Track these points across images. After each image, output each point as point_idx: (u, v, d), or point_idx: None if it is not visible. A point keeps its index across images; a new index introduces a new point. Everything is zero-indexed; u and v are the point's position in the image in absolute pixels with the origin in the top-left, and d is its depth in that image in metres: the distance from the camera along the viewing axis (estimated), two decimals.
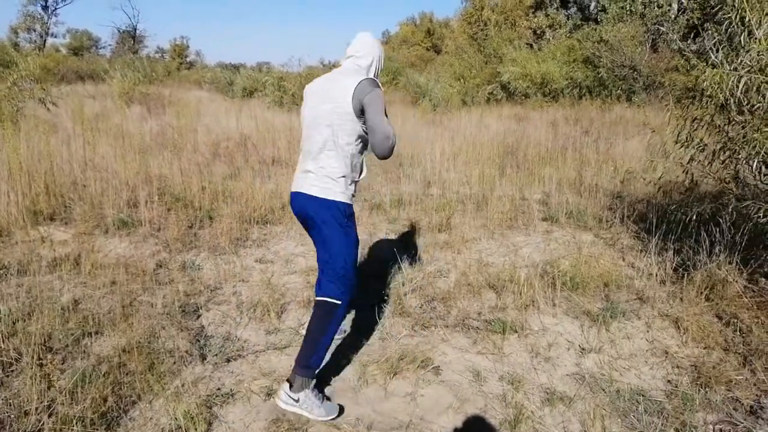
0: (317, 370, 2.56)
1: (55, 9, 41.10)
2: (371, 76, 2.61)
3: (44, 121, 7.96)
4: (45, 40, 40.68)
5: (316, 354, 2.51)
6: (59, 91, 12.24)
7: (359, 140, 2.55)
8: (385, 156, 2.50)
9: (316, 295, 2.61)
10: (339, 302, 2.55)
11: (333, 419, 2.49)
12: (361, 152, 2.63)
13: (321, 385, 2.75)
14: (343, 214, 2.55)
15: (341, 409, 2.57)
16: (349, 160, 2.54)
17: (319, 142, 2.51)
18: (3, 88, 9.08)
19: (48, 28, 41.05)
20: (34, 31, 40.59)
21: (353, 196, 2.64)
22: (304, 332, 3.00)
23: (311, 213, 2.55)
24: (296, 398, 2.45)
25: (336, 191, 2.52)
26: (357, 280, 2.68)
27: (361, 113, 2.46)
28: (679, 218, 4.23)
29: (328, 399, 2.62)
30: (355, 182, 2.67)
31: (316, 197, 2.51)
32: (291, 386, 2.46)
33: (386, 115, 2.49)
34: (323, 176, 2.51)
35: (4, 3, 77.50)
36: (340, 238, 2.55)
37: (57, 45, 42.43)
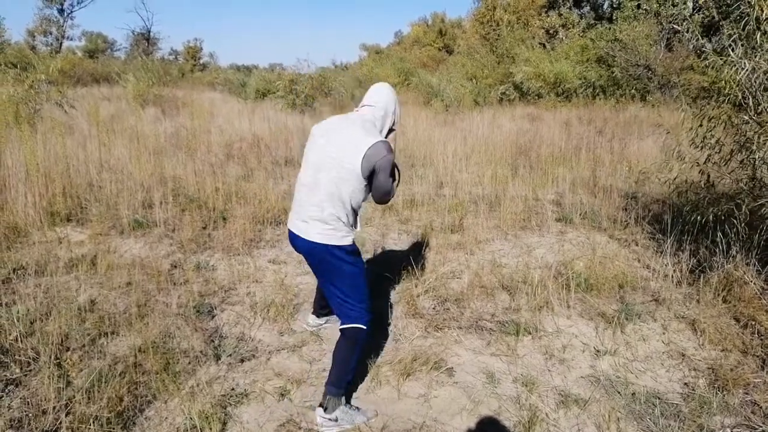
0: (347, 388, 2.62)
1: (71, 12, 41.53)
2: (385, 129, 2.64)
3: (61, 123, 8.05)
4: (61, 43, 41.15)
5: (347, 376, 2.58)
6: (75, 93, 12.40)
7: (361, 193, 2.54)
8: (381, 203, 2.65)
9: (341, 324, 2.61)
10: (364, 327, 2.60)
11: (371, 419, 2.57)
12: (363, 201, 2.61)
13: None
14: (350, 253, 2.56)
15: (375, 413, 2.61)
16: (351, 209, 2.54)
17: (322, 188, 2.47)
18: (21, 90, 9.21)
19: (64, 31, 41.50)
20: (51, 34, 41.07)
21: (356, 230, 2.67)
22: (311, 330, 3.35)
23: (317, 257, 2.56)
24: (333, 418, 2.47)
25: (339, 236, 2.51)
26: (370, 304, 2.70)
27: (369, 175, 2.46)
28: (695, 219, 4.18)
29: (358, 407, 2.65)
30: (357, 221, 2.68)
31: (320, 244, 2.50)
32: (325, 410, 2.48)
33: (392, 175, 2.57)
34: (326, 223, 2.49)
35: (21, 6, 78.68)
36: (352, 274, 2.59)
37: (73, 48, 42.95)
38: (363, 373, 2.89)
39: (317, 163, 2.50)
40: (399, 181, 2.71)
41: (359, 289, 2.61)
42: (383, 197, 2.57)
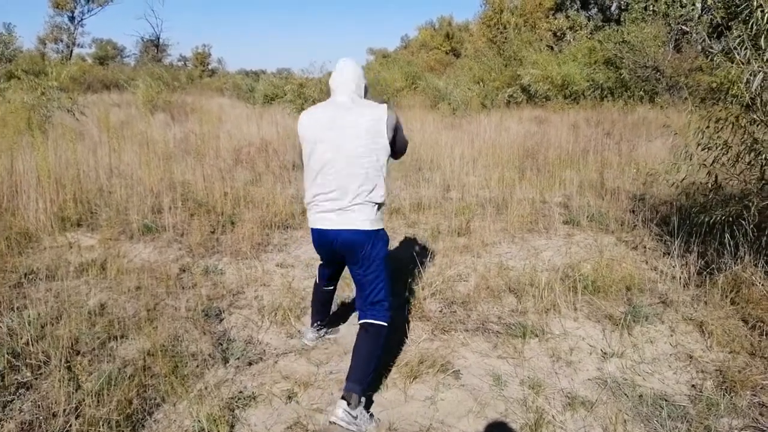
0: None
1: (81, 19, 42.01)
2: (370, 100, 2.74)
3: (71, 130, 8.15)
4: (71, 50, 41.62)
5: (370, 373, 2.60)
6: (85, 99, 12.54)
7: (388, 168, 2.68)
8: (403, 155, 2.87)
9: (364, 318, 2.67)
10: (386, 324, 2.67)
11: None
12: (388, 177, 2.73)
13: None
14: (385, 240, 2.72)
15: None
16: (387, 183, 2.66)
17: (359, 177, 2.53)
18: (33, 97, 9.34)
19: (74, 39, 41.98)
20: (61, 41, 41.55)
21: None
22: (312, 345, 3.25)
23: (359, 246, 2.60)
24: (355, 415, 2.43)
25: (379, 220, 2.66)
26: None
27: (393, 140, 2.62)
28: (703, 220, 4.16)
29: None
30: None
31: (368, 230, 2.59)
32: (349, 404, 2.43)
33: None
34: (369, 207, 2.59)
35: (32, 14, 79.59)
36: (385, 265, 2.70)
37: (83, 55, 43.39)
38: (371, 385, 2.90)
39: (347, 157, 2.53)
40: None
41: (388, 283, 2.73)
42: (405, 149, 2.83)
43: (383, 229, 2.69)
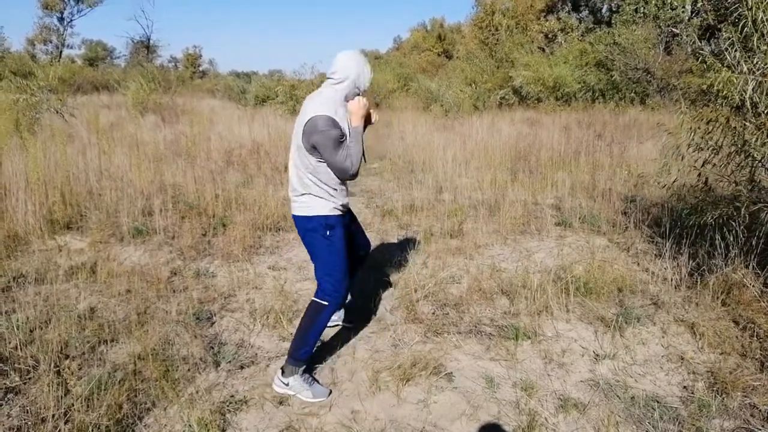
0: (306, 361, 2.77)
1: (71, 20, 41.74)
2: (350, 95, 2.69)
3: (61, 131, 8.08)
4: (61, 51, 41.32)
5: (304, 347, 2.74)
6: (75, 101, 12.45)
7: (325, 167, 2.66)
8: (347, 180, 2.76)
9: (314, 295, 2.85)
10: (326, 303, 2.78)
11: (320, 401, 2.70)
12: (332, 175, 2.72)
13: (320, 379, 2.76)
14: (325, 226, 2.73)
15: (329, 393, 2.77)
16: (322, 182, 2.68)
17: (295, 163, 2.71)
18: (22, 98, 9.25)
19: (64, 40, 41.70)
20: (51, 42, 41.27)
21: (341, 207, 2.80)
22: (341, 323, 3.45)
23: (300, 231, 2.82)
24: (286, 382, 2.70)
25: (315, 207, 2.71)
26: (345, 285, 2.85)
27: (313, 150, 2.60)
28: (694, 222, 4.19)
29: (318, 383, 2.81)
30: (340, 194, 2.79)
31: (300, 216, 2.76)
32: (282, 372, 2.73)
33: (348, 143, 2.65)
34: (302, 195, 2.72)
35: (20, 15, 78.97)
36: (324, 246, 2.77)
37: (72, 56, 43.10)
38: (362, 378, 2.89)
39: (292, 141, 2.73)
40: (361, 152, 2.71)
41: (329, 263, 2.78)
42: (341, 173, 2.65)
43: (324, 215, 2.72)
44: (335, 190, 2.74)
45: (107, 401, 2.50)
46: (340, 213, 2.82)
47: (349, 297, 3.57)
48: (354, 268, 3.18)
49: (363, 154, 2.73)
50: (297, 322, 3.48)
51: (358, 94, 2.74)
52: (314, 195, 2.71)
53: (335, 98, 2.66)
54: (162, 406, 2.59)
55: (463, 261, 4.53)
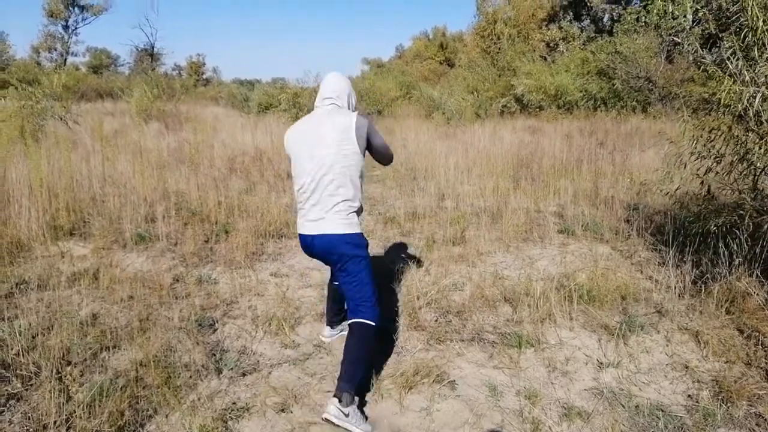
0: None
1: (76, 28, 42.00)
2: (353, 110, 2.85)
3: (65, 138, 8.11)
4: (65, 59, 41.57)
5: (361, 372, 2.66)
6: (79, 108, 12.50)
7: (362, 173, 2.79)
8: (389, 163, 2.97)
9: (353, 318, 2.74)
10: (374, 324, 2.73)
11: None
12: (363, 182, 2.85)
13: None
14: (365, 244, 2.80)
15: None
16: (361, 193, 2.78)
17: (333, 185, 2.66)
18: (26, 105, 9.30)
19: (68, 47, 41.96)
20: (55, 50, 41.52)
21: (362, 217, 2.89)
22: (329, 341, 3.37)
23: (338, 250, 2.72)
24: (346, 413, 2.47)
25: (355, 224, 2.74)
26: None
27: (365, 146, 2.73)
28: (697, 230, 4.18)
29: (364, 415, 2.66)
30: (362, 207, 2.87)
31: (342, 234, 2.69)
32: (340, 401, 2.48)
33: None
34: (344, 213, 2.69)
35: (26, 23, 79.54)
36: (367, 267, 2.78)
37: (77, 63, 43.33)
38: (365, 387, 2.88)
39: (319, 166, 2.66)
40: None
41: (371, 284, 2.79)
42: (387, 155, 2.88)
43: (360, 233, 2.78)
44: (363, 208, 2.87)
45: (109, 408, 2.49)
46: None
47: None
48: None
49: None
50: (299, 329, 3.49)
51: (356, 109, 2.93)
52: (357, 210, 2.76)
53: (347, 112, 2.80)
54: (164, 413, 2.58)
55: (466, 268, 4.52)
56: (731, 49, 3.74)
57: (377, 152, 2.84)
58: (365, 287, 2.76)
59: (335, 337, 3.38)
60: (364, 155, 2.76)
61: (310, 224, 2.73)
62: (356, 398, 2.55)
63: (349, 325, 2.76)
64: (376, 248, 5.08)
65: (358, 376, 2.63)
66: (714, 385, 2.86)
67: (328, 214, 2.68)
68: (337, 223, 2.68)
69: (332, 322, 3.41)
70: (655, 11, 5.07)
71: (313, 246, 2.77)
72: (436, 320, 3.64)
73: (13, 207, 5.04)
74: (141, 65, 42.55)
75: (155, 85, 15.19)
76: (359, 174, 2.74)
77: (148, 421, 2.53)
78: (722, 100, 3.78)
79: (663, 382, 2.93)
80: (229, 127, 12.51)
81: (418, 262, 4.59)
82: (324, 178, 2.66)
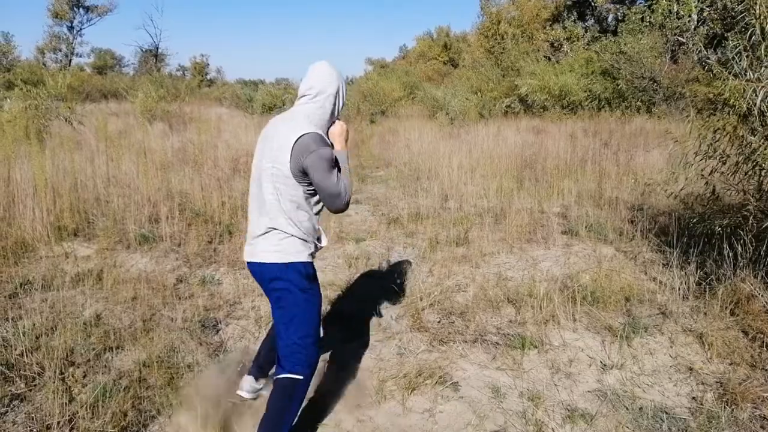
0: None
1: (80, 29, 42.11)
2: (326, 114, 2.26)
3: (69, 139, 8.14)
4: (70, 60, 41.70)
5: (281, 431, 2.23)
6: (84, 109, 12.54)
7: (307, 201, 2.23)
8: (338, 211, 2.24)
9: (276, 373, 2.27)
10: (301, 378, 2.24)
11: None
12: (315, 211, 2.30)
13: (334, 404, 2.75)
14: (303, 276, 2.24)
15: None
16: (300, 222, 2.22)
17: (266, 201, 2.20)
18: (30, 106, 9.33)
19: (73, 48, 42.08)
20: (60, 50, 41.65)
21: (314, 254, 2.33)
22: (250, 398, 2.65)
23: (268, 282, 2.26)
24: None
25: (293, 251, 2.21)
26: (318, 352, 2.35)
27: (303, 175, 2.15)
28: (702, 231, 4.16)
29: None
30: (316, 239, 2.35)
31: (271, 264, 2.22)
32: None
33: (340, 167, 2.22)
34: (274, 238, 2.21)
35: (31, 24, 79.90)
36: (301, 305, 2.24)
37: (81, 64, 43.49)
38: (367, 387, 2.87)
39: (259, 174, 2.24)
40: (347, 174, 2.25)
41: (305, 325, 2.25)
42: (333, 202, 2.18)
43: (302, 262, 2.23)
44: (317, 230, 2.31)
45: (112, 409, 2.50)
46: (313, 261, 2.33)
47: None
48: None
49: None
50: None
51: (338, 118, 2.35)
52: (294, 236, 2.20)
53: (318, 115, 2.24)
54: (167, 413, 2.58)
55: (469, 269, 4.51)
56: (737, 49, 3.73)
57: (320, 193, 2.18)
58: (297, 329, 2.24)
59: (257, 395, 2.65)
60: (305, 184, 2.18)
61: (247, 248, 2.31)
62: None
63: (274, 378, 2.28)
64: (379, 249, 5.08)
65: None
66: (718, 388, 2.84)
67: (258, 239, 2.24)
68: (268, 250, 2.22)
69: (258, 375, 2.66)
70: (659, 11, 5.05)
71: (253, 274, 2.33)
72: (439, 321, 3.63)
73: (17, 207, 5.06)
74: (145, 66, 42.70)
75: (161, 86, 15.24)
76: (302, 204, 2.20)
77: (151, 422, 2.53)
78: (727, 100, 3.77)
79: (667, 384, 2.91)
80: (233, 127, 12.53)
81: (421, 263, 4.59)
82: (260, 192, 2.22)
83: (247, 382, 2.62)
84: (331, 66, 2.28)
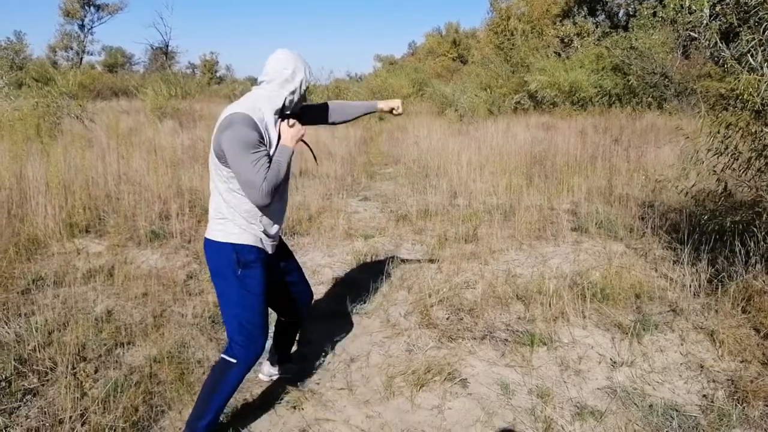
0: None
1: (91, 28, 42.47)
2: (279, 102, 2.19)
3: (80, 136, 8.21)
4: (81, 58, 42.04)
5: (206, 415, 2.23)
6: (94, 106, 12.63)
7: (231, 184, 2.17)
8: (257, 204, 2.13)
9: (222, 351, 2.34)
10: (234, 362, 2.24)
11: None
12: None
13: (346, 400, 2.75)
14: (236, 260, 2.19)
15: None
16: (235, 205, 2.17)
17: (211, 176, 2.23)
18: (42, 104, 9.42)
19: (84, 46, 42.42)
20: (71, 49, 42.00)
21: (265, 238, 2.29)
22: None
23: (208, 261, 2.26)
24: None
25: (228, 231, 2.18)
26: (261, 342, 2.32)
27: (223, 155, 2.08)
28: (713, 228, 4.12)
29: None
30: (265, 220, 2.26)
31: (207, 241, 2.23)
32: None
33: (264, 155, 2.10)
34: (214, 217, 2.23)
35: (42, 22, 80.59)
36: (233, 290, 2.21)
37: (92, 62, 43.81)
38: (376, 384, 2.88)
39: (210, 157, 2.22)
40: (281, 178, 2.16)
41: (239, 311, 2.22)
42: (247, 191, 2.08)
43: (240, 244, 2.19)
44: (257, 214, 2.21)
45: (123, 403, 2.52)
46: (261, 247, 2.26)
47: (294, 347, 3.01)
48: (292, 323, 2.76)
49: (282, 185, 2.18)
50: (310, 327, 3.49)
51: (296, 112, 2.31)
52: (228, 219, 2.18)
53: (264, 100, 2.17)
54: (177, 409, 2.60)
55: (478, 266, 4.50)
56: (750, 44, 3.68)
57: (236, 178, 2.09)
58: (231, 312, 2.24)
59: (273, 377, 2.89)
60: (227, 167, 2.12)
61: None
62: None
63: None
64: (388, 245, 5.09)
65: (203, 424, 2.22)
66: (729, 385, 2.82)
67: (209, 220, 2.26)
68: (211, 228, 2.23)
69: (273, 358, 2.88)
70: (671, 6, 5.00)
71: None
72: (447, 318, 3.63)
73: (29, 204, 5.11)
74: (155, 63, 42.92)
75: (175, 84, 15.31)
76: (229, 184, 2.14)
77: (161, 417, 2.55)
78: (740, 95, 3.73)
79: (677, 382, 2.90)
80: None
81: (430, 260, 4.58)
82: (211, 172, 2.23)
83: (265, 366, 2.88)
84: (288, 55, 2.22)
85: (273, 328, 2.79)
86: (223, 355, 2.28)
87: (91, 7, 41.53)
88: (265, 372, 2.89)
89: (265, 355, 2.80)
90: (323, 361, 3.13)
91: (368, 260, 4.69)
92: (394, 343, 3.32)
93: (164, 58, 43.96)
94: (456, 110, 15.32)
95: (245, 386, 2.83)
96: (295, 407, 2.67)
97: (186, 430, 2.26)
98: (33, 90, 10.19)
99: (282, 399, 2.73)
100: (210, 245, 2.22)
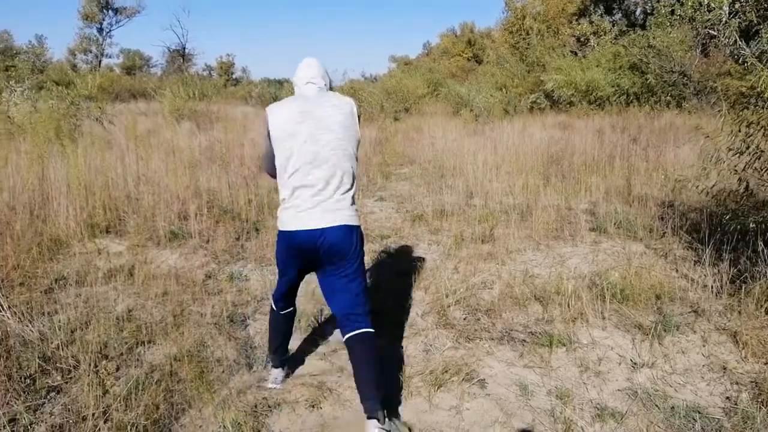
0: (269, 360, 2.94)
1: (110, 31, 43.09)
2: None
3: (100, 138, 8.32)
4: (100, 61, 42.65)
5: (382, 382, 2.55)
6: (113, 109, 12.80)
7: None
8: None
9: (359, 329, 2.50)
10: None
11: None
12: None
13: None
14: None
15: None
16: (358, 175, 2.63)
17: (339, 172, 2.46)
18: (63, 107, 9.56)
19: (103, 49, 43.03)
20: (90, 52, 42.62)
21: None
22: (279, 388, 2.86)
23: (347, 244, 2.48)
24: (388, 429, 2.36)
25: (358, 217, 2.60)
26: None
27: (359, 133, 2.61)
28: (735, 227, 4.05)
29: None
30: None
31: (353, 226, 2.52)
32: (378, 420, 2.32)
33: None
34: (351, 204, 2.54)
35: (62, 26, 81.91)
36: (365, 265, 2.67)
37: (111, 65, 44.41)
38: (393, 384, 2.88)
39: (323, 150, 2.44)
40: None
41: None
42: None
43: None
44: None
45: (145, 401, 2.55)
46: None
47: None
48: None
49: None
50: (327, 326, 3.50)
51: None
52: (356, 204, 2.63)
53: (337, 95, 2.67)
54: (197, 406, 2.63)
55: (495, 266, 4.48)
56: None
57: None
58: (365, 289, 2.62)
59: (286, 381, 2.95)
60: None
61: (319, 216, 2.42)
62: (385, 410, 2.41)
63: (352, 337, 2.51)
64: (404, 246, 5.08)
65: (382, 388, 2.49)
66: (753, 387, 2.77)
67: (339, 204, 2.46)
68: (351, 215, 2.51)
69: (283, 361, 2.98)
70: (689, 3, 4.95)
71: (320, 240, 2.43)
72: (465, 318, 3.62)
73: (51, 205, 5.19)
74: (173, 66, 43.37)
75: (192, 85, 15.45)
76: (356, 169, 2.58)
77: (182, 415, 2.58)
78: (761, 93, 3.67)
79: (699, 384, 2.86)
80: (258, 125, 12.64)
81: (447, 260, 4.57)
82: (328, 166, 2.44)
83: (275, 372, 2.94)
84: (316, 61, 2.71)
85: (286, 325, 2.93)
86: (371, 329, 2.54)
87: (110, 11, 42.14)
88: (278, 378, 2.92)
89: (270, 361, 2.99)
90: (341, 360, 3.14)
91: (384, 260, 4.70)
92: (411, 343, 3.32)
93: (181, 60, 44.41)
94: (471, 110, 15.27)
95: (263, 385, 2.85)
96: (313, 406, 2.68)
97: (376, 404, 2.37)
98: (53, 93, 10.33)
99: (300, 398, 2.74)
100: (354, 230, 2.53)
